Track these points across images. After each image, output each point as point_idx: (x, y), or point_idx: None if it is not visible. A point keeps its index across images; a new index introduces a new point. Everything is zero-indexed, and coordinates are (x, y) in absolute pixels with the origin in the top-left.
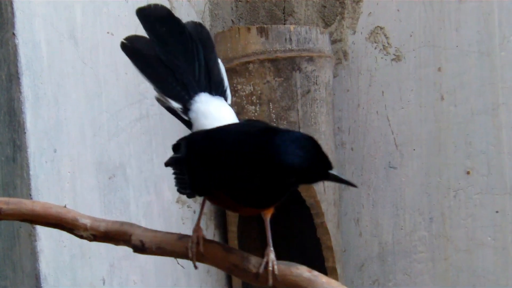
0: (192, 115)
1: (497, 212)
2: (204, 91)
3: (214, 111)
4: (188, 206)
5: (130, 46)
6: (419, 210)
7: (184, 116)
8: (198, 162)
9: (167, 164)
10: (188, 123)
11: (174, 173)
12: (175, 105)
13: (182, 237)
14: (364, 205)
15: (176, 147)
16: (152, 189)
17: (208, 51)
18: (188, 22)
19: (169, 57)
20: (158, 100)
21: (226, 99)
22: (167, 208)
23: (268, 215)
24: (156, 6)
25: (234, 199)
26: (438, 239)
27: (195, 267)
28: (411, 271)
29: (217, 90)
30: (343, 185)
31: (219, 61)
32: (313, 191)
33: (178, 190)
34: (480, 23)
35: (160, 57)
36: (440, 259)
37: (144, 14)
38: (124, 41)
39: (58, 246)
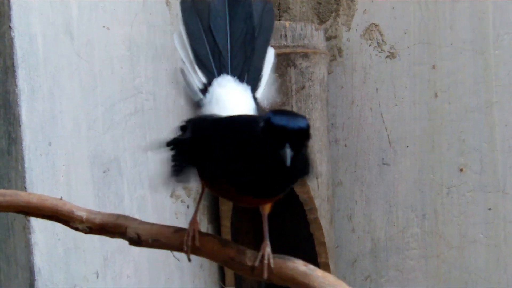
0: (207, 96)
1: (489, 209)
2: (233, 74)
3: (227, 99)
4: (181, 201)
5: (190, 3)
6: (412, 207)
7: (199, 94)
8: (202, 147)
9: (169, 143)
10: (198, 104)
11: (172, 155)
12: (201, 79)
13: (178, 230)
14: (357, 202)
15: (183, 128)
16: (146, 184)
17: (262, 38)
18: (259, 2)
19: (219, 28)
20: (181, 71)
21: (254, 89)
22: (160, 203)
23: (266, 210)
24: None
25: (234, 186)
26: (430, 236)
27: (189, 260)
28: (403, 268)
29: (249, 77)
30: (336, 181)
31: (270, 50)
32: (306, 187)
33: (169, 174)
34: (475, 21)
35: (210, 25)
36: (432, 255)
37: None
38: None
39: (52, 239)
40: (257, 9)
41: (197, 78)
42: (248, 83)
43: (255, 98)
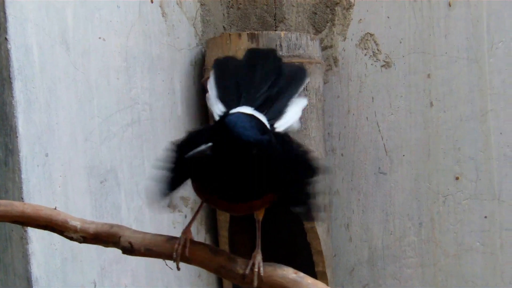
0: None
1: (485, 217)
2: (251, 106)
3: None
4: (179, 211)
5: (223, 62)
6: (408, 215)
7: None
8: (180, 156)
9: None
10: None
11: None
12: (220, 109)
13: (171, 239)
14: (354, 211)
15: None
16: (143, 194)
17: (290, 88)
18: (293, 64)
19: (246, 80)
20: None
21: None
22: (158, 213)
23: (260, 215)
24: (269, 50)
25: (210, 192)
26: (427, 244)
27: (178, 268)
28: (400, 276)
29: (267, 113)
30: (333, 191)
31: (296, 102)
32: None
33: (158, 192)
34: (469, 30)
35: (238, 80)
36: (429, 264)
37: (253, 51)
38: (221, 57)
39: (49, 249)
40: (291, 68)
41: (218, 108)
42: (265, 115)
43: (271, 125)
